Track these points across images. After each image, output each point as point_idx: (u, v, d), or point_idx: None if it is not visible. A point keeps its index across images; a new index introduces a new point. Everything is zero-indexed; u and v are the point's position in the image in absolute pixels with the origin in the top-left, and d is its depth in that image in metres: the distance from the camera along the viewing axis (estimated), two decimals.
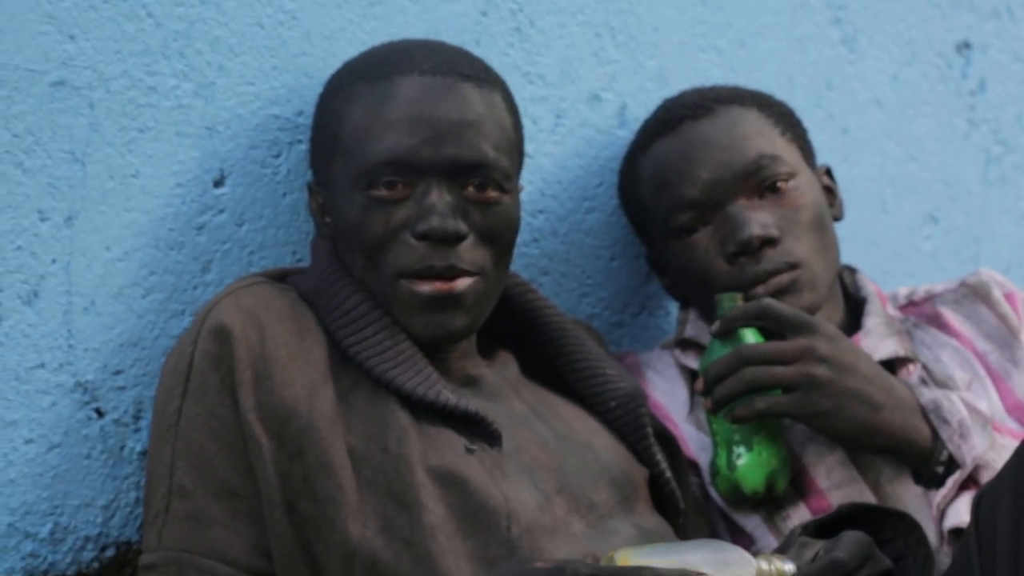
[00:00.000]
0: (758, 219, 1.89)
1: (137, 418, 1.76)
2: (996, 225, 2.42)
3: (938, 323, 2.01)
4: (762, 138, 1.93)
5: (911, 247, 2.38)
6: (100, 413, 1.74)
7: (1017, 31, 2.50)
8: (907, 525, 1.69)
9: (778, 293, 1.88)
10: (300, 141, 1.87)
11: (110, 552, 1.75)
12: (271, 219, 1.85)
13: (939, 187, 2.41)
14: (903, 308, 2.05)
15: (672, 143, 1.94)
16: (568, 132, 2.07)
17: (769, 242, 1.89)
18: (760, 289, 1.88)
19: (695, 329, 1.98)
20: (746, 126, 1.93)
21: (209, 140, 1.80)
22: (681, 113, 1.95)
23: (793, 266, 1.89)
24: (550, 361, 1.85)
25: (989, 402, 1.94)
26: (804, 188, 1.93)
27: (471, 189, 1.71)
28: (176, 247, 1.79)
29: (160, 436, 1.66)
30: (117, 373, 1.75)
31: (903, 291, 2.07)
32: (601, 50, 2.09)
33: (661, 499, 1.81)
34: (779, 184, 1.91)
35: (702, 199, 1.91)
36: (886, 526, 1.69)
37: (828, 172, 2.03)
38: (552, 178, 2.06)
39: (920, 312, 2.04)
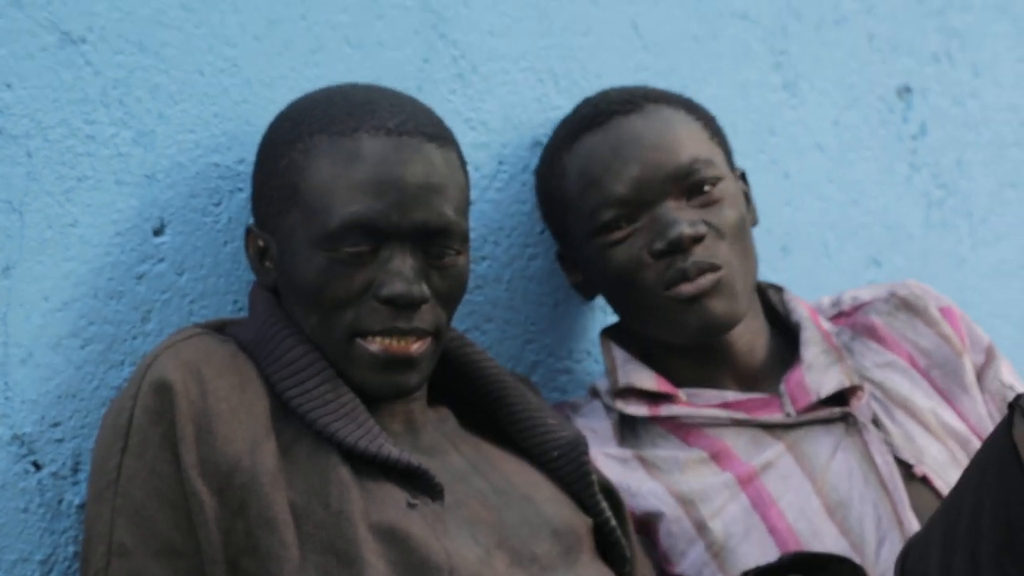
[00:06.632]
0: (687, 218, 1.89)
1: (75, 471, 1.75)
2: (938, 268, 2.43)
3: (874, 335, 2.01)
4: (694, 141, 1.93)
5: None
6: (38, 466, 1.73)
7: (957, 75, 2.52)
8: (849, 569, 1.68)
9: (701, 296, 1.88)
10: (241, 189, 1.86)
11: None
12: (212, 268, 1.84)
13: (881, 231, 2.42)
14: (834, 319, 2.05)
15: (600, 138, 1.94)
16: (510, 178, 2.07)
17: (698, 240, 1.89)
18: (687, 287, 1.88)
19: (628, 375, 1.96)
20: (677, 127, 1.93)
21: (149, 188, 1.80)
22: (609, 108, 1.95)
23: (716, 267, 1.89)
24: (490, 414, 1.85)
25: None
26: (729, 193, 1.93)
27: (433, 252, 1.73)
28: (115, 297, 1.78)
29: (99, 493, 1.65)
30: (55, 425, 1.74)
31: (827, 300, 2.07)
32: (544, 96, 2.09)
33: (607, 547, 1.81)
34: (707, 187, 1.92)
35: (631, 197, 1.91)
36: (829, 573, 1.68)
37: (743, 176, 2.03)
38: (495, 224, 2.06)
39: (853, 322, 2.03)
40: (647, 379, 1.95)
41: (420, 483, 1.67)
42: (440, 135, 1.75)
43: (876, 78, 2.42)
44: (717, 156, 1.95)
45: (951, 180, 2.49)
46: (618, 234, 1.91)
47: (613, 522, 1.81)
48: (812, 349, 1.96)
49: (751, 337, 1.97)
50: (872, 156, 2.41)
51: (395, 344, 1.70)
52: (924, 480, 1.91)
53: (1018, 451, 1.57)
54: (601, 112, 1.95)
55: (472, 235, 2.02)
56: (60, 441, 1.74)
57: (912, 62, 2.46)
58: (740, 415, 1.93)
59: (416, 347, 1.71)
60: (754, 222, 2.01)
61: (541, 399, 1.92)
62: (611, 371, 1.98)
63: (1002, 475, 1.58)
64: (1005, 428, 1.60)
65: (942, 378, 1.98)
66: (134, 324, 1.79)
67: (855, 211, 2.39)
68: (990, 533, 1.57)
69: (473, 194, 2.02)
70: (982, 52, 2.54)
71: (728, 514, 1.88)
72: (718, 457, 1.91)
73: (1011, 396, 1.97)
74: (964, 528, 1.58)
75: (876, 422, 1.94)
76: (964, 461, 1.93)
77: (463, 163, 1.79)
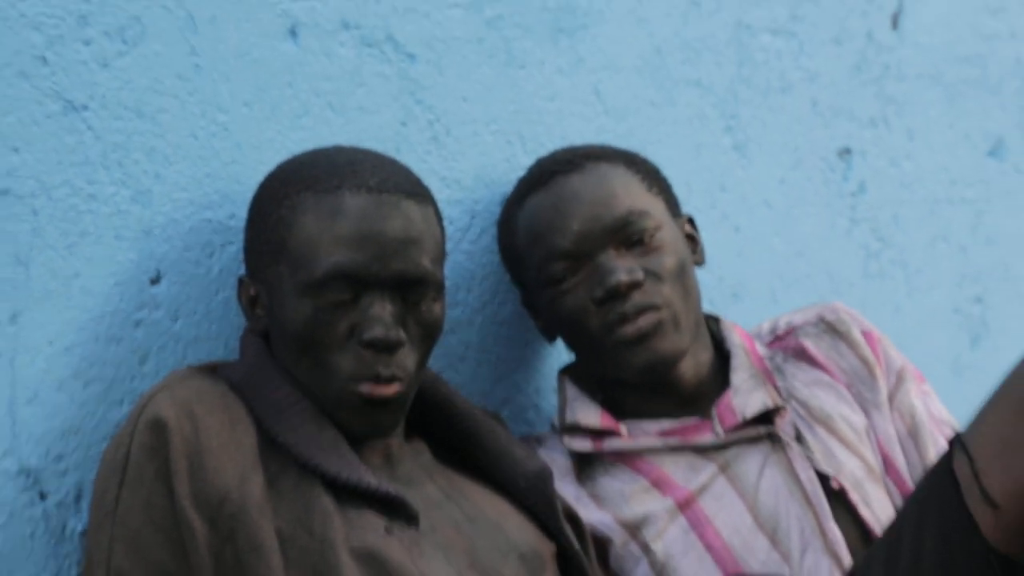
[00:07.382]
0: (624, 266, 1.96)
1: (78, 500, 1.78)
2: (876, 315, 2.46)
3: (804, 356, 2.08)
4: (630, 194, 1.98)
5: None
6: (43, 496, 1.76)
7: (893, 139, 2.56)
8: None
9: (644, 337, 1.95)
10: (232, 242, 1.90)
11: None
12: (204, 315, 1.87)
13: (824, 280, 2.46)
14: (770, 344, 2.11)
15: (544, 197, 2.00)
16: (482, 231, 2.11)
17: (635, 286, 1.95)
18: (628, 329, 1.95)
19: (574, 413, 2.03)
20: (615, 182, 1.99)
21: (146, 242, 1.82)
22: (552, 168, 2.01)
23: (657, 307, 1.95)
24: (463, 447, 1.91)
25: (872, 452, 2.03)
26: (668, 239, 1.99)
27: (410, 300, 1.78)
28: (115, 341, 1.81)
29: (98, 522, 1.68)
30: (59, 459, 1.77)
31: (766, 326, 2.13)
32: (512, 156, 2.14)
33: (570, 570, 1.87)
34: (645, 238, 1.98)
35: (573, 250, 1.97)
36: None
37: (691, 221, 2.07)
38: (467, 274, 2.10)
39: (785, 346, 2.09)
40: (592, 416, 2.03)
41: (397, 510, 1.71)
42: (418, 192, 1.80)
43: (819, 140, 2.48)
44: (655, 206, 2.01)
45: (888, 234, 2.54)
46: (565, 285, 1.98)
47: (576, 546, 1.87)
48: (740, 374, 2.03)
49: (698, 368, 2.04)
50: (815, 212, 2.47)
51: (376, 390, 1.75)
52: (840, 492, 1.99)
53: (958, 485, 1.60)
54: (545, 172, 2.02)
55: (447, 283, 2.06)
56: (64, 473, 1.77)
57: (852, 126, 2.51)
58: (675, 441, 2.01)
59: (394, 391, 1.77)
60: (699, 262, 2.07)
61: (509, 433, 1.97)
62: (561, 409, 2.06)
63: (942, 509, 1.61)
64: (945, 463, 1.62)
65: (859, 395, 2.06)
66: (132, 366, 1.82)
67: (800, 262, 2.45)
68: (931, 566, 1.61)
69: (448, 246, 2.07)
70: (916, 117, 2.59)
71: (669, 535, 1.97)
72: (659, 484, 1.99)
73: (918, 414, 2.05)
74: (904, 562, 1.62)
75: (799, 439, 2.02)
76: (878, 473, 2.01)
77: (439, 218, 1.83)
